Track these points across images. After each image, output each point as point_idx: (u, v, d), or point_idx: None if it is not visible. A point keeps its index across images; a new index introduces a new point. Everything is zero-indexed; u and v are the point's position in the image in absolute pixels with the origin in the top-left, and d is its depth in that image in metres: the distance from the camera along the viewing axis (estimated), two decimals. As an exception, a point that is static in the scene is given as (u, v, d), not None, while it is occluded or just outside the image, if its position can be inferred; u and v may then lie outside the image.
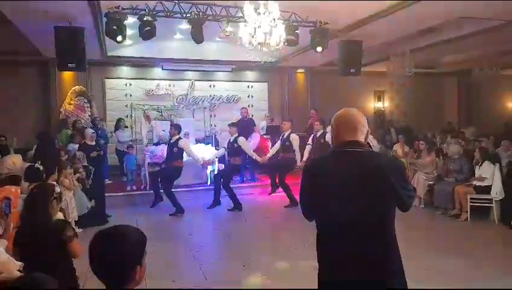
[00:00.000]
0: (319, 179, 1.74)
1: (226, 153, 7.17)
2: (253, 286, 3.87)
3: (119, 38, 5.75)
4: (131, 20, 5.87)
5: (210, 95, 10.30)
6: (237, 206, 6.62)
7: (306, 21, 6.41)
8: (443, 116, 12.43)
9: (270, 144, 8.28)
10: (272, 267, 4.22)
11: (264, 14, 4.89)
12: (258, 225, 5.96)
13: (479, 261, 4.25)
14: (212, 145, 8.67)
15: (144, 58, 9.18)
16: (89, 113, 9.17)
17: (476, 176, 6.02)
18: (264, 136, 8.85)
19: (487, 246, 4.87)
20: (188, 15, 5.86)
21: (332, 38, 6.94)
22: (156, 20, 5.71)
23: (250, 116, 9.24)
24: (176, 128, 6.66)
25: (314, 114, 8.80)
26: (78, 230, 4.73)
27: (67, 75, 9.12)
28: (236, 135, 6.86)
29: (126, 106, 9.68)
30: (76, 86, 9.18)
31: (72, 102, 9.14)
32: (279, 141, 7.00)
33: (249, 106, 10.09)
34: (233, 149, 6.81)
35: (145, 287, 3.25)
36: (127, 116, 9.48)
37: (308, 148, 6.91)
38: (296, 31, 6.34)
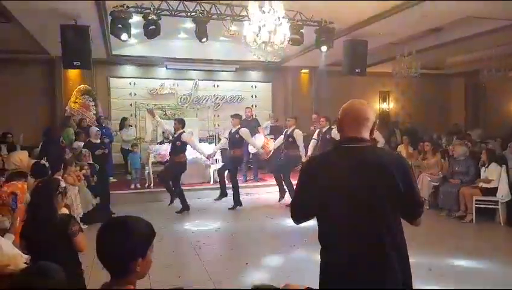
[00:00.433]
0: (319, 178, 1.67)
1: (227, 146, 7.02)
2: (255, 284, 3.85)
3: (124, 36, 5.78)
4: (135, 18, 5.88)
5: (214, 95, 10.31)
6: (237, 203, 6.62)
7: (311, 20, 6.40)
8: (449, 118, 12.27)
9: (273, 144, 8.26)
10: (274, 266, 4.22)
11: (269, 12, 4.87)
12: (260, 223, 5.95)
13: (484, 263, 4.22)
14: (215, 145, 8.67)
15: (148, 58, 9.20)
16: (94, 112, 9.21)
17: (482, 177, 5.98)
18: (268, 136, 8.83)
19: (492, 247, 4.83)
20: (192, 14, 5.87)
21: (338, 38, 6.92)
22: (161, 18, 5.73)
23: (254, 116, 9.24)
24: (180, 122, 6.64)
25: (316, 118, 8.75)
26: (83, 226, 4.76)
27: (72, 73, 9.17)
28: (239, 126, 6.80)
29: (130, 104, 9.72)
30: (82, 85, 9.22)
31: (77, 100, 9.18)
32: (281, 136, 6.94)
33: (252, 105, 10.10)
34: (235, 140, 6.73)
35: (148, 282, 3.25)
36: (131, 115, 9.52)
37: (313, 142, 6.85)
38: (301, 30, 6.32)
